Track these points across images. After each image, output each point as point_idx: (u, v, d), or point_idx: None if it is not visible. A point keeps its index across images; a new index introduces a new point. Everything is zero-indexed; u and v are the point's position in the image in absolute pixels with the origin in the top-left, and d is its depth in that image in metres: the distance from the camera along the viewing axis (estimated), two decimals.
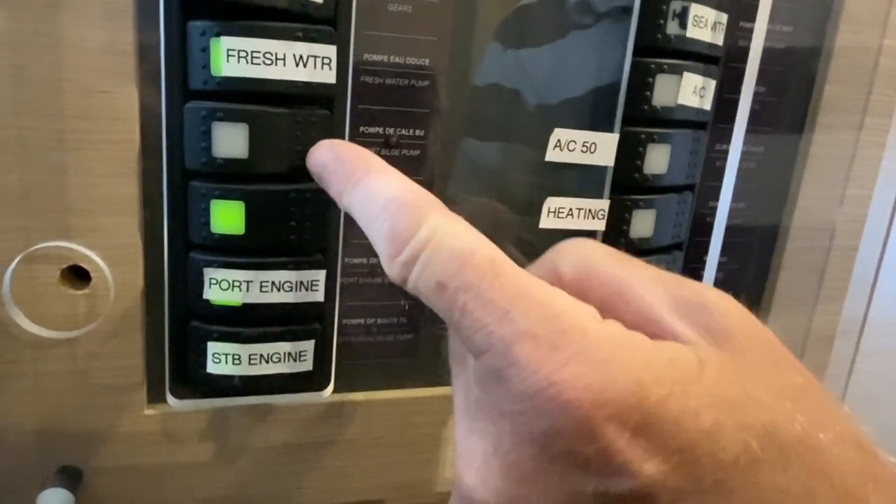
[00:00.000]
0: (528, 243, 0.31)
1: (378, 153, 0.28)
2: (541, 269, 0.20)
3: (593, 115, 0.30)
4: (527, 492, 0.16)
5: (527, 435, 0.15)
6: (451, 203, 0.19)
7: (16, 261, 0.24)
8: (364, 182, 0.20)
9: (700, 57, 0.29)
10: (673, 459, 0.14)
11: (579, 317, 0.16)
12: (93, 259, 0.25)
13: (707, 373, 0.15)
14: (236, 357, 0.26)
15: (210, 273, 0.25)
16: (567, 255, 0.19)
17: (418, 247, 0.18)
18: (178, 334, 0.26)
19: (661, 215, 0.30)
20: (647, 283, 0.18)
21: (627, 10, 0.29)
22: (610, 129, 0.29)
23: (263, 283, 0.26)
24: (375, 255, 0.19)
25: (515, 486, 0.16)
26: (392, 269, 0.18)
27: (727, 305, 0.17)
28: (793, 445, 0.14)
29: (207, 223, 0.25)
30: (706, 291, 0.17)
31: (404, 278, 0.18)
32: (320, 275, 0.26)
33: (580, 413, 0.14)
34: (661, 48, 0.28)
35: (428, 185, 0.29)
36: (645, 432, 0.14)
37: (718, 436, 0.14)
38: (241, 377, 0.26)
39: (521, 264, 0.20)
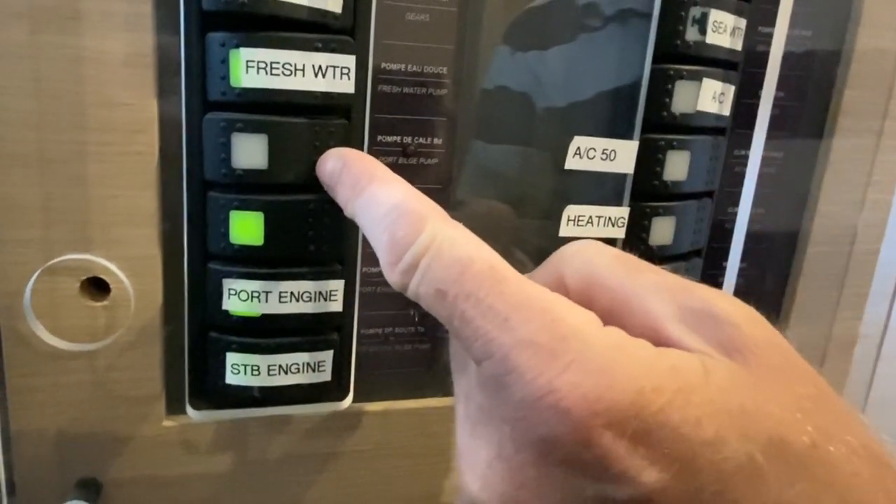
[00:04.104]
0: (539, 248, 0.31)
1: (396, 162, 0.28)
2: (544, 275, 0.20)
3: (604, 119, 0.30)
4: (528, 496, 0.16)
5: (527, 441, 0.15)
6: (462, 207, 0.19)
7: (37, 273, 0.25)
8: (368, 190, 0.21)
9: (719, 63, 0.29)
10: (673, 468, 0.14)
11: (580, 323, 0.16)
12: (113, 271, 0.25)
13: (712, 381, 0.15)
14: (255, 368, 0.26)
15: (229, 284, 0.25)
16: (571, 260, 0.19)
17: (418, 253, 0.18)
18: (197, 345, 0.26)
19: (680, 222, 0.30)
20: (653, 291, 0.17)
21: (635, 13, 0.28)
22: (623, 133, 0.29)
23: (282, 294, 0.25)
24: None
25: (517, 490, 0.16)
26: (392, 276, 0.18)
27: (737, 313, 0.16)
28: (801, 458, 0.14)
29: (226, 234, 0.25)
30: (715, 299, 0.17)
31: (405, 285, 0.18)
32: (339, 285, 0.26)
33: (578, 420, 0.14)
34: (680, 54, 0.27)
35: (445, 192, 0.29)
36: (644, 440, 0.14)
37: (720, 446, 0.14)
38: (260, 388, 0.26)
39: (530, 269, 0.20)
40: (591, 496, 0.15)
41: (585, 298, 0.18)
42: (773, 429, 0.14)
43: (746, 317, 0.16)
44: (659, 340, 0.16)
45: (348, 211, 0.22)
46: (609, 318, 0.17)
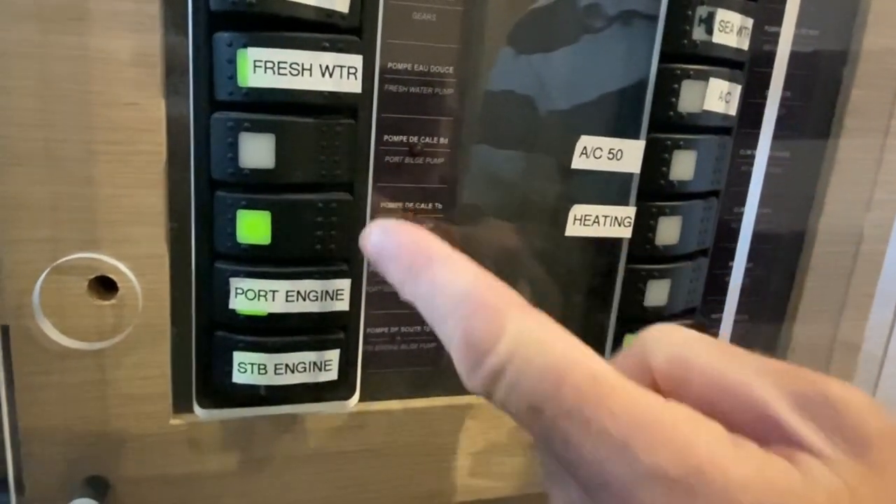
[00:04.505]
0: (543, 251, 0.31)
1: (402, 161, 0.28)
2: (628, 362, 0.17)
3: (609, 121, 0.30)
4: None
5: None
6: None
7: (45, 272, 0.25)
8: (427, 274, 0.18)
9: (726, 62, 0.28)
10: None
11: (712, 446, 0.14)
12: (120, 270, 0.25)
13: (862, 501, 0.13)
14: (262, 367, 0.26)
15: (236, 283, 0.25)
16: (658, 344, 0.17)
17: (502, 361, 0.15)
18: (205, 344, 0.26)
19: (686, 222, 0.30)
20: (756, 375, 0.15)
21: (638, 14, 0.28)
22: (628, 134, 0.29)
23: (289, 293, 0.26)
24: None
25: None
26: (472, 383, 0.16)
27: (858, 400, 0.14)
28: None
29: (234, 233, 0.25)
30: (829, 384, 0.15)
31: (489, 394, 0.16)
32: (345, 284, 0.26)
33: None
34: (687, 54, 0.27)
35: (452, 192, 0.29)
36: None
37: None
38: (267, 387, 0.26)
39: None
40: None
41: (676, 386, 0.16)
42: None
43: (867, 405, 0.14)
44: (772, 432, 0.15)
45: (404, 294, 0.19)
46: (709, 409, 0.15)
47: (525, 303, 0.17)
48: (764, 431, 0.14)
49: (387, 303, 0.30)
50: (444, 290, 0.17)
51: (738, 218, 0.32)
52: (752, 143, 0.31)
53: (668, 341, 0.17)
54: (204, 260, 0.25)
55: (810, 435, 0.14)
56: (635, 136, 0.29)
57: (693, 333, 0.17)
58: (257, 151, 0.24)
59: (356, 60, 0.24)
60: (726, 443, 0.14)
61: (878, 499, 0.13)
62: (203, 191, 0.25)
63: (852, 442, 0.14)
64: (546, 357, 0.15)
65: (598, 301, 0.32)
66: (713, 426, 0.14)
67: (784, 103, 0.32)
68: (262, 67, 0.23)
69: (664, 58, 0.28)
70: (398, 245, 0.19)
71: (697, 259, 0.31)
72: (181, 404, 0.28)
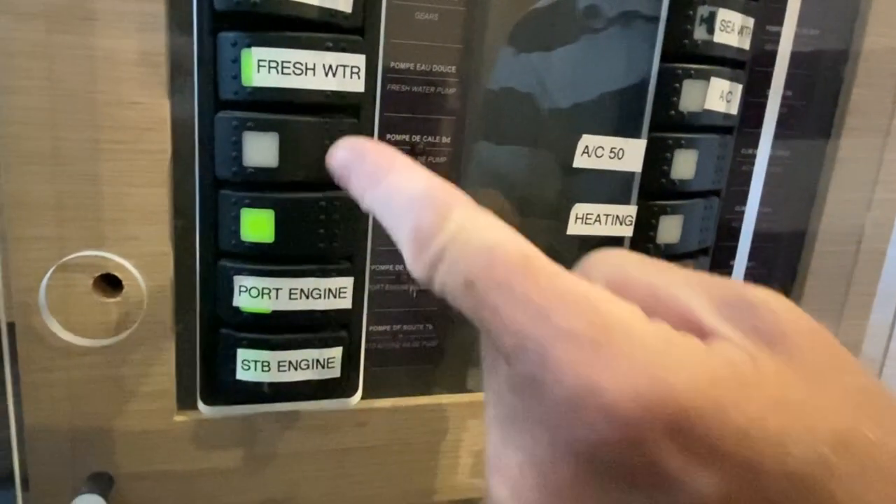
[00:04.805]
0: (545, 250, 0.31)
1: None
2: None
3: (610, 120, 0.30)
4: None
5: (565, 445, 0.14)
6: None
7: (51, 270, 0.25)
8: (387, 180, 0.19)
9: (727, 62, 0.29)
10: (736, 472, 0.13)
11: (624, 314, 0.15)
12: (125, 267, 0.26)
13: (766, 375, 0.14)
14: (265, 364, 0.26)
15: (240, 281, 0.25)
16: (598, 265, 0.18)
17: (444, 243, 0.16)
18: (209, 341, 0.27)
19: (687, 221, 0.30)
20: (684, 284, 0.16)
21: (638, 15, 0.29)
22: (629, 134, 0.29)
23: (292, 291, 0.26)
24: (402, 262, 0.19)
25: (551, 498, 0.15)
26: (417, 269, 0.17)
27: (774, 301, 0.15)
28: (870, 454, 0.13)
29: (237, 231, 0.25)
30: (748, 288, 0.16)
31: (430, 278, 0.17)
32: (348, 282, 0.27)
33: (628, 421, 0.13)
34: (688, 53, 0.28)
35: None
36: (704, 441, 0.13)
37: (787, 444, 0.13)
38: (271, 384, 0.27)
39: None
40: None
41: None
42: (835, 423, 0.13)
43: (784, 305, 0.15)
44: (696, 333, 0.15)
45: (365, 203, 0.20)
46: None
47: (473, 201, 0.18)
48: (694, 334, 0.15)
49: (389, 301, 0.30)
50: (401, 193, 0.18)
51: (739, 217, 0.33)
52: (754, 142, 0.32)
53: (607, 262, 0.18)
54: (208, 258, 0.26)
55: (728, 330, 0.15)
56: (637, 136, 0.29)
57: (629, 253, 0.18)
58: (261, 150, 0.24)
59: (359, 60, 0.24)
60: (639, 315, 0.15)
61: (779, 373, 0.14)
62: (207, 189, 0.25)
63: (766, 335, 0.14)
64: (483, 238, 0.16)
65: None
66: (629, 304, 0.15)
67: (785, 103, 0.32)
68: (265, 67, 0.23)
69: (665, 57, 0.28)
70: (362, 156, 0.21)
71: (699, 258, 0.32)
72: (185, 401, 0.28)
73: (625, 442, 0.13)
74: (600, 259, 0.18)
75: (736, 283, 0.16)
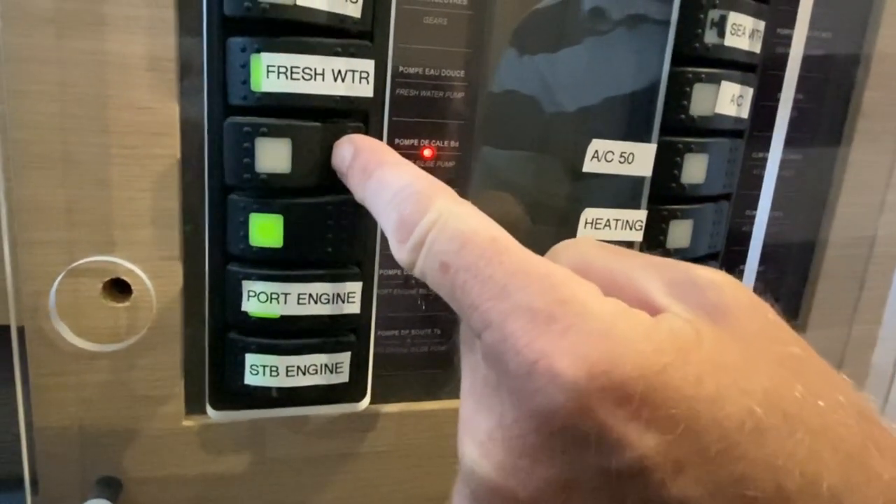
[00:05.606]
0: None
1: None
2: None
3: (619, 123, 0.30)
4: (527, 465, 0.16)
5: (525, 412, 0.15)
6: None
7: (61, 275, 0.25)
8: (377, 174, 0.21)
9: (738, 65, 0.28)
10: (677, 429, 0.14)
11: (579, 290, 0.16)
12: (135, 272, 0.26)
13: (705, 342, 0.15)
14: (274, 369, 0.26)
15: (248, 285, 0.25)
16: (562, 254, 0.19)
17: (425, 230, 0.18)
18: (217, 346, 0.27)
19: (698, 225, 0.30)
20: (639, 268, 0.18)
21: (646, 18, 0.28)
22: (638, 137, 0.29)
23: (301, 296, 0.26)
24: None
25: (516, 459, 0.16)
26: (400, 255, 0.19)
27: (718, 280, 0.17)
28: (795, 410, 0.14)
29: (246, 236, 0.25)
30: (696, 269, 0.17)
31: (412, 263, 0.18)
32: (357, 287, 0.27)
33: (576, 386, 0.14)
34: (699, 57, 0.27)
35: (463, 195, 0.29)
36: (646, 403, 0.14)
37: (722, 402, 0.14)
38: (279, 389, 0.26)
39: None
40: (592, 464, 0.15)
41: None
42: (766, 382, 0.14)
43: (727, 283, 0.17)
44: (649, 312, 0.16)
45: (358, 196, 0.22)
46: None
47: (454, 193, 0.19)
48: (647, 312, 0.16)
49: (398, 306, 0.30)
50: (388, 186, 0.20)
51: (750, 221, 0.32)
52: (765, 146, 0.31)
53: (570, 249, 0.19)
54: (217, 263, 0.26)
55: (675, 306, 0.16)
56: (647, 140, 0.29)
57: (593, 241, 0.20)
58: (274, 156, 0.24)
59: (368, 65, 0.24)
60: (595, 292, 0.16)
61: (718, 340, 0.15)
62: (216, 194, 0.25)
63: (710, 309, 0.16)
64: (458, 225, 0.18)
65: None
66: (587, 282, 0.16)
67: (796, 106, 0.32)
68: (275, 72, 0.23)
69: (676, 61, 0.28)
70: (358, 152, 0.23)
71: (709, 262, 0.31)
72: (194, 406, 0.28)
73: (576, 408, 0.14)
74: (566, 245, 0.20)
75: (687, 265, 0.18)
